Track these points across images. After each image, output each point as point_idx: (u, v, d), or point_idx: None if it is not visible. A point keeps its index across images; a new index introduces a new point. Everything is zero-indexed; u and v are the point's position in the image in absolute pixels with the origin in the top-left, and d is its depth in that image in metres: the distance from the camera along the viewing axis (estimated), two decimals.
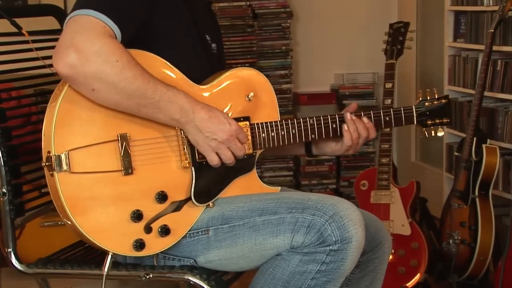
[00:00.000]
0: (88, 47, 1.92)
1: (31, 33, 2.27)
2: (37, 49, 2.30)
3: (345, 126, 2.26)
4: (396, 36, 3.80)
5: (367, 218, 2.18)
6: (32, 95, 2.51)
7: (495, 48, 3.60)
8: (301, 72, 5.35)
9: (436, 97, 2.37)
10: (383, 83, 3.76)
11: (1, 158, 2.22)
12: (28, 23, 2.32)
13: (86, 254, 2.34)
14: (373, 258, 2.32)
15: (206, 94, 2.17)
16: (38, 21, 2.32)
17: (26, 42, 2.28)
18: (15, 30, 2.33)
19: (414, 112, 2.34)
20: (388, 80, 3.74)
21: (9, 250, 2.24)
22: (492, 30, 3.53)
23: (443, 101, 2.37)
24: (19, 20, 2.33)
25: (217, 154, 2.09)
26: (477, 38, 4.04)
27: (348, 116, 2.27)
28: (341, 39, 5.38)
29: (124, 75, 1.95)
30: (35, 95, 2.51)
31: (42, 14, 2.11)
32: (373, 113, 2.31)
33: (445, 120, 2.38)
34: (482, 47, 3.65)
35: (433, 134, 2.38)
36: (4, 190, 2.22)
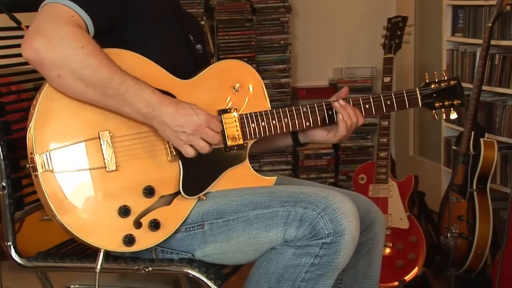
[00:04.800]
0: (54, 33, 1.95)
1: None
2: None
3: (340, 116, 2.25)
4: (395, 31, 3.81)
5: (357, 200, 2.17)
6: (32, 90, 2.52)
7: (493, 42, 3.61)
8: (299, 66, 5.36)
9: (445, 78, 2.34)
10: (382, 78, 3.77)
11: (1, 152, 2.22)
12: (27, 18, 2.33)
13: (86, 248, 2.34)
14: (366, 239, 2.31)
15: (190, 88, 2.17)
16: None
17: None
18: (14, 24, 2.34)
19: (418, 94, 2.32)
20: (386, 74, 3.75)
21: (9, 243, 2.24)
22: (490, 25, 3.54)
23: (452, 82, 2.34)
24: (18, 15, 2.34)
25: (191, 145, 2.08)
26: (475, 32, 4.05)
27: (337, 104, 2.27)
28: (339, 34, 5.39)
29: (89, 62, 1.96)
30: (34, 89, 2.51)
31: None
32: (372, 98, 2.30)
33: (456, 102, 2.34)
34: (480, 41, 3.66)
35: (444, 117, 2.36)
36: (4, 184, 2.22)
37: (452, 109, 2.35)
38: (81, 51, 1.95)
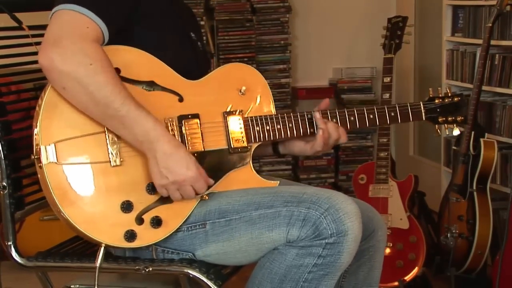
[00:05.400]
0: (68, 45, 1.97)
1: (31, 27, 2.28)
2: (37, 43, 2.31)
3: (320, 131, 2.25)
4: (395, 31, 3.81)
5: (360, 206, 2.18)
6: (32, 89, 2.52)
7: (493, 42, 3.61)
8: (299, 66, 5.36)
9: (449, 94, 2.37)
10: (382, 78, 3.77)
11: (1, 152, 2.23)
12: (28, 18, 2.33)
13: (86, 247, 2.35)
14: (367, 247, 2.31)
15: (196, 89, 2.19)
16: (38, 15, 2.33)
17: (26, 36, 2.29)
18: (15, 24, 2.34)
19: (422, 108, 2.35)
20: (386, 74, 3.75)
21: (9, 243, 2.25)
22: (490, 25, 3.54)
23: (456, 99, 2.37)
24: (19, 15, 2.34)
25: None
26: (475, 32, 4.05)
27: (317, 115, 2.27)
28: (339, 34, 5.39)
29: (95, 79, 1.97)
30: (35, 89, 2.51)
31: (42, 9, 2.12)
32: (376, 109, 2.32)
33: (459, 118, 2.37)
34: (480, 41, 3.66)
35: (447, 133, 2.39)
36: (4, 184, 2.23)
37: (455, 125, 2.38)
38: (89, 67, 1.97)
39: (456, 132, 2.38)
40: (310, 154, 2.35)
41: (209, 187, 2.12)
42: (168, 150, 2.02)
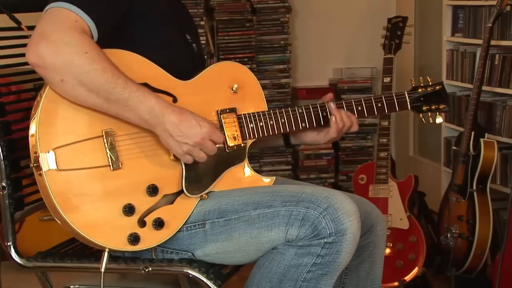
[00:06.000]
0: (58, 38, 1.95)
1: (30, 28, 2.28)
2: None
3: (333, 118, 2.29)
4: (395, 31, 3.81)
5: (358, 202, 2.18)
6: (32, 90, 2.52)
7: (493, 42, 3.62)
8: (299, 66, 5.36)
9: (430, 83, 2.41)
10: (382, 78, 3.77)
11: (1, 152, 2.23)
12: (27, 18, 2.33)
13: (86, 248, 2.34)
14: (367, 242, 2.32)
15: (189, 89, 2.19)
16: (37, 16, 2.33)
17: (26, 37, 2.29)
18: (15, 25, 2.34)
19: (407, 97, 2.38)
20: (386, 74, 3.75)
21: (8, 243, 2.24)
22: (490, 25, 3.54)
23: (438, 87, 2.41)
24: (18, 15, 2.34)
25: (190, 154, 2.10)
26: (475, 32, 4.05)
27: (332, 105, 2.30)
28: (339, 34, 5.39)
29: (93, 66, 1.96)
30: (34, 89, 2.51)
31: (41, 10, 2.12)
32: (364, 100, 2.34)
33: (441, 106, 2.41)
34: (480, 41, 3.66)
35: (431, 121, 2.42)
36: (4, 184, 2.22)
37: (438, 113, 2.43)
38: (85, 56, 1.96)
39: (439, 120, 2.42)
40: (324, 143, 2.37)
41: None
42: (176, 119, 2.04)
